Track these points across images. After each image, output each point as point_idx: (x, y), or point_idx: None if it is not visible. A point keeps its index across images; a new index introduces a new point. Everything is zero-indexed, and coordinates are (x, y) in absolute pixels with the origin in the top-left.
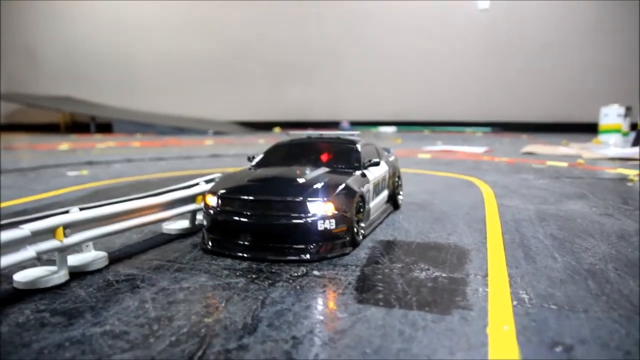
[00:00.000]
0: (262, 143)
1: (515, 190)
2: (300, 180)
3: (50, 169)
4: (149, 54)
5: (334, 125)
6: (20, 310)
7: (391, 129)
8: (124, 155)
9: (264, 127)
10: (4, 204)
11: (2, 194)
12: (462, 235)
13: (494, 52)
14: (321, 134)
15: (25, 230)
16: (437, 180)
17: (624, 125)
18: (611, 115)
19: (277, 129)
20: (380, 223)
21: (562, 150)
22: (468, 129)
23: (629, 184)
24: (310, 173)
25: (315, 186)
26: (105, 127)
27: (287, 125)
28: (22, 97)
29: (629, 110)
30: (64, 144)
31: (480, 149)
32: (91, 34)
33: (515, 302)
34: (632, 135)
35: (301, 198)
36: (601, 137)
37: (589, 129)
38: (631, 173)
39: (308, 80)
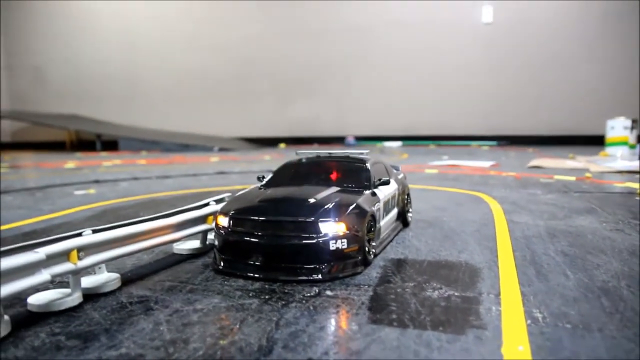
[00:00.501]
0: (267, 159)
1: (524, 205)
2: (312, 200)
3: (57, 188)
4: (155, 72)
5: (340, 140)
6: (36, 333)
7: (396, 144)
8: (130, 173)
9: (270, 143)
10: (14, 224)
11: (11, 215)
12: (473, 253)
13: (500, 66)
14: (330, 153)
15: (40, 253)
16: (445, 196)
17: (631, 137)
18: (618, 128)
19: (282, 145)
20: (391, 241)
21: (569, 163)
22: (474, 143)
23: (638, 197)
24: (321, 193)
25: (326, 206)
26: (111, 145)
27: (292, 141)
28: (28, 115)
29: (635, 122)
30: (70, 162)
31: (486, 163)
32: (97, 52)
33: (529, 321)
34: (639, 147)
35: (313, 218)
36: (608, 150)
37: (596, 142)
38: (639, 186)
39: (313, 96)
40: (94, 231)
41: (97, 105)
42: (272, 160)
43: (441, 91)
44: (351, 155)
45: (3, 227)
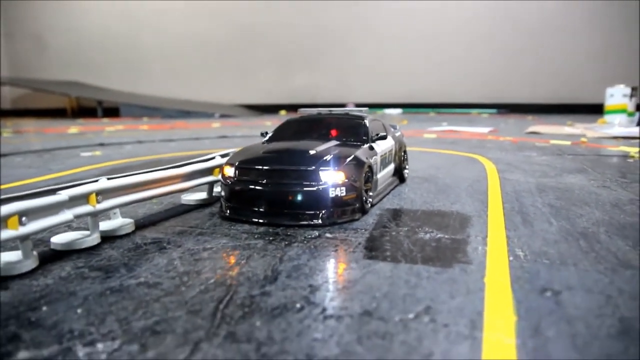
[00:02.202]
0: (269, 125)
1: (518, 165)
2: (312, 152)
3: (64, 150)
4: (156, 38)
5: (340, 107)
6: (61, 267)
7: (397, 111)
8: (134, 137)
9: (270, 110)
10: (27, 181)
11: (22, 173)
12: (464, 204)
13: (500, 34)
14: (330, 110)
15: (63, 195)
16: (442, 157)
17: (630, 105)
18: (617, 96)
19: (283, 112)
20: (387, 194)
21: (567, 130)
22: (474, 111)
23: (630, 160)
24: (321, 146)
25: (326, 157)
26: (112, 112)
27: (293, 108)
28: (29, 81)
29: (634, 90)
30: (73, 128)
31: (485, 129)
32: (98, 19)
33: (511, 258)
34: (638, 115)
35: (314, 167)
36: (606, 118)
37: (595, 110)
38: (633, 150)
39: (314, 63)
40: (109, 179)
41: (98, 72)
42: (273, 125)
43: (441, 59)
44: (350, 113)
45: (17, 184)
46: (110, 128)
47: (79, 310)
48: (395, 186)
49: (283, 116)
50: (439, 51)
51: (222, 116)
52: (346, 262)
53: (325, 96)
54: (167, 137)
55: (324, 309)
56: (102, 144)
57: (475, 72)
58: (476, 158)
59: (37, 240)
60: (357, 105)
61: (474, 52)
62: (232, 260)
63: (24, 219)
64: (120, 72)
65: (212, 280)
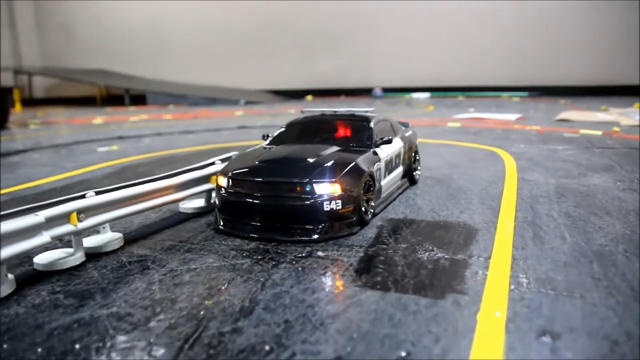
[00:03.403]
0: (292, 113)
1: (540, 162)
2: (308, 161)
3: (83, 144)
4: (182, 25)
5: (367, 92)
6: (38, 291)
7: (424, 95)
8: (154, 129)
9: (296, 95)
10: (36, 182)
11: (35, 172)
12: (474, 212)
13: (532, 14)
14: (335, 112)
15: (40, 216)
16: (462, 151)
17: None
18: None
19: (309, 97)
20: (394, 200)
21: (600, 116)
22: (504, 94)
23: None
24: (320, 153)
25: (322, 167)
26: (139, 99)
27: (319, 93)
28: (59, 71)
29: None
30: (98, 118)
31: (513, 116)
32: (125, 8)
33: (512, 287)
34: None
35: (307, 179)
36: None
37: (633, 92)
38: None
39: (340, 47)
40: (97, 193)
41: (126, 60)
42: (296, 114)
43: (471, 41)
44: (355, 114)
45: (26, 185)
46: (134, 118)
47: (39, 350)
48: (405, 189)
49: (308, 102)
50: (468, 33)
51: (248, 103)
52: (331, 291)
53: (351, 81)
54: (187, 128)
55: (293, 354)
56: (121, 137)
57: (505, 53)
58: (497, 153)
59: (24, 257)
60: (384, 90)
61: (504, 32)
62: (213, 284)
63: None
64: (147, 59)
65: (184, 312)
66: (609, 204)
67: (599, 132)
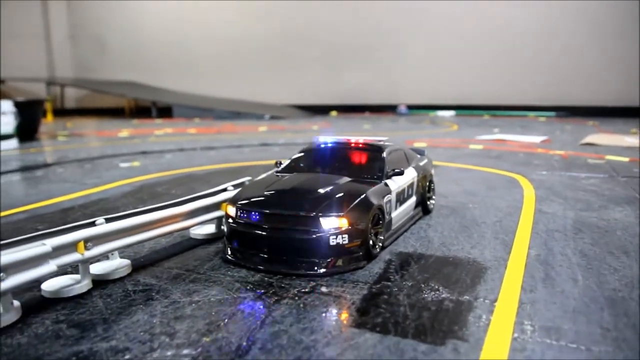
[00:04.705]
0: (314, 130)
1: (560, 192)
2: (317, 193)
3: (106, 159)
4: (210, 39)
5: (392, 109)
6: (42, 320)
7: (449, 113)
8: (177, 143)
9: (321, 110)
10: (56, 200)
11: (57, 188)
12: (485, 248)
13: (561, 32)
14: (349, 140)
15: (47, 246)
16: (481, 177)
17: None
18: None
19: (334, 113)
20: (406, 231)
21: (628, 141)
22: (531, 114)
23: None
24: (329, 184)
25: (330, 200)
26: (166, 111)
27: (344, 109)
28: (90, 82)
29: None
30: (124, 131)
31: (537, 139)
32: (154, 21)
33: (516, 334)
34: None
35: (314, 213)
36: None
37: None
38: None
39: (366, 63)
40: (107, 220)
41: (154, 72)
42: (318, 131)
43: (498, 59)
44: (369, 143)
45: (46, 203)
46: (158, 131)
47: None
48: (417, 220)
49: (332, 118)
50: (495, 51)
51: (273, 117)
52: (330, 331)
53: (376, 97)
54: (209, 144)
55: None
56: (144, 152)
57: (533, 72)
58: (517, 180)
59: (33, 283)
60: (409, 107)
61: (532, 51)
62: (213, 320)
63: (1, 274)
64: (175, 72)
65: (181, 350)
66: (628, 242)
67: (626, 159)
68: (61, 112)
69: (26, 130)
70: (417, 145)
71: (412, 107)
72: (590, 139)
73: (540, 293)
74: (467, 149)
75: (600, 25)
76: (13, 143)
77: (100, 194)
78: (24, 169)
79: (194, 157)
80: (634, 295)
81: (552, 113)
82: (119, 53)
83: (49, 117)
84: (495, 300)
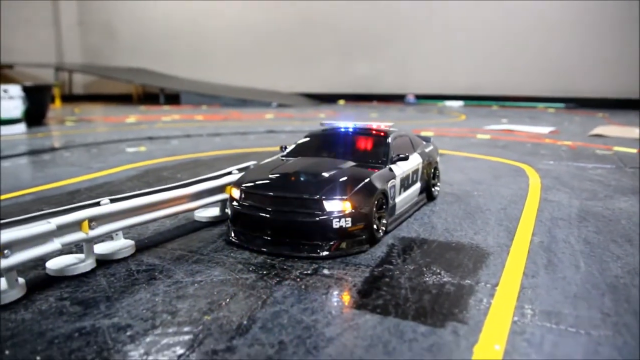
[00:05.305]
0: (322, 117)
1: (566, 181)
2: (321, 177)
3: (113, 144)
4: (219, 26)
5: (400, 98)
6: (46, 297)
7: (458, 104)
8: (184, 130)
9: (329, 99)
10: (62, 183)
11: (63, 172)
12: (488, 234)
13: (571, 23)
14: (354, 125)
15: (52, 224)
16: (487, 166)
17: None
18: None
19: (341, 102)
20: (409, 216)
21: (637, 132)
22: (540, 105)
23: None
24: (334, 168)
25: (334, 183)
26: (173, 98)
27: (352, 98)
28: (98, 68)
29: None
30: (131, 117)
31: (545, 129)
32: (163, 8)
33: (516, 318)
34: None
35: (317, 196)
36: None
37: None
38: None
39: (374, 52)
40: (112, 200)
41: (162, 59)
42: (325, 118)
43: (507, 50)
44: (374, 128)
45: (53, 185)
46: (166, 118)
47: (38, 358)
48: (422, 205)
49: (340, 106)
50: (504, 42)
51: (280, 105)
52: (331, 312)
53: (385, 86)
54: (215, 130)
55: None
56: (150, 138)
57: (542, 63)
58: (523, 169)
59: (39, 260)
60: (418, 97)
61: (541, 42)
62: (215, 299)
63: (6, 251)
64: (183, 59)
65: (182, 327)
66: (632, 231)
67: (634, 150)
68: (69, 98)
69: (34, 115)
70: (424, 134)
71: (420, 97)
72: (599, 130)
73: (542, 278)
74: (474, 138)
75: (611, 15)
76: (21, 127)
77: (106, 178)
78: (32, 152)
79: (200, 143)
80: (636, 282)
81: (561, 104)
82: (128, 39)
83: (57, 102)
84: (497, 285)
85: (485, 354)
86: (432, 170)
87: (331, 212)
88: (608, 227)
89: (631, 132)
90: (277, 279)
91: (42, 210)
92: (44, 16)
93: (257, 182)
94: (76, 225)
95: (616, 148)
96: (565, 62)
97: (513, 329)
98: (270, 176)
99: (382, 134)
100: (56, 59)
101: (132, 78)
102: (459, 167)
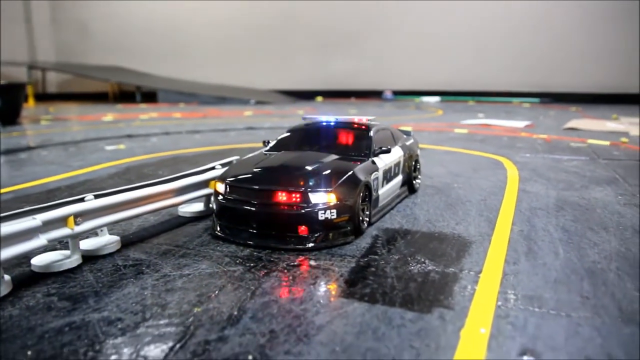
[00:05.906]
0: (300, 114)
1: (543, 173)
2: (305, 169)
3: (91, 142)
4: (195, 24)
5: (377, 94)
6: (33, 293)
7: (434, 99)
8: (163, 127)
9: (307, 96)
10: (42, 181)
11: (42, 170)
12: (469, 224)
13: (545, 19)
14: (336, 119)
15: (37, 220)
16: (466, 160)
17: None
18: None
19: (319, 99)
20: (392, 208)
21: (609, 126)
22: (515, 100)
23: None
24: (317, 161)
25: (318, 176)
26: (150, 96)
27: (329, 94)
28: (73, 67)
29: None
30: (109, 115)
31: (521, 124)
32: (139, 4)
33: (500, 303)
34: None
35: (303, 188)
36: None
37: None
38: None
39: (352, 49)
40: (96, 196)
41: (139, 57)
42: (305, 114)
43: (482, 46)
44: (356, 122)
45: (32, 184)
46: (143, 116)
47: (29, 353)
48: (404, 198)
49: (318, 103)
50: (480, 37)
51: (258, 103)
52: (319, 301)
53: (362, 83)
54: (195, 128)
55: None
56: (129, 136)
57: (517, 59)
58: (501, 162)
59: (24, 258)
60: (395, 93)
61: (516, 38)
62: (204, 292)
63: None
64: (159, 57)
65: (173, 319)
66: (607, 218)
67: (607, 143)
68: (43, 97)
69: (7, 115)
70: (402, 129)
71: (397, 93)
72: (573, 123)
73: (523, 265)
74: (452, 132)
75: (585, 12)
76: None
77: (87, 175)
78: (7, 151)
79: (179, 140)
80: (612, 267)
81: (537, 99)
82: (103, 37)
83: (31, 101)
84: (480, 272)
85: (471, 337)
86: (413, 163)
87: (316, 204)
88: (584, 215)
89: (603, 125)
90: (265, 271)
91: (23, 208)
92: (14, 13)
93: (242, 176)
94: (62, 221)
95: (590, 141)
96: (540, 58)
97: (497, 313)
98: (255, 170)
99: (364, 127)
100: (29, 57)
101: (108, 76)
102: (438, 161)
